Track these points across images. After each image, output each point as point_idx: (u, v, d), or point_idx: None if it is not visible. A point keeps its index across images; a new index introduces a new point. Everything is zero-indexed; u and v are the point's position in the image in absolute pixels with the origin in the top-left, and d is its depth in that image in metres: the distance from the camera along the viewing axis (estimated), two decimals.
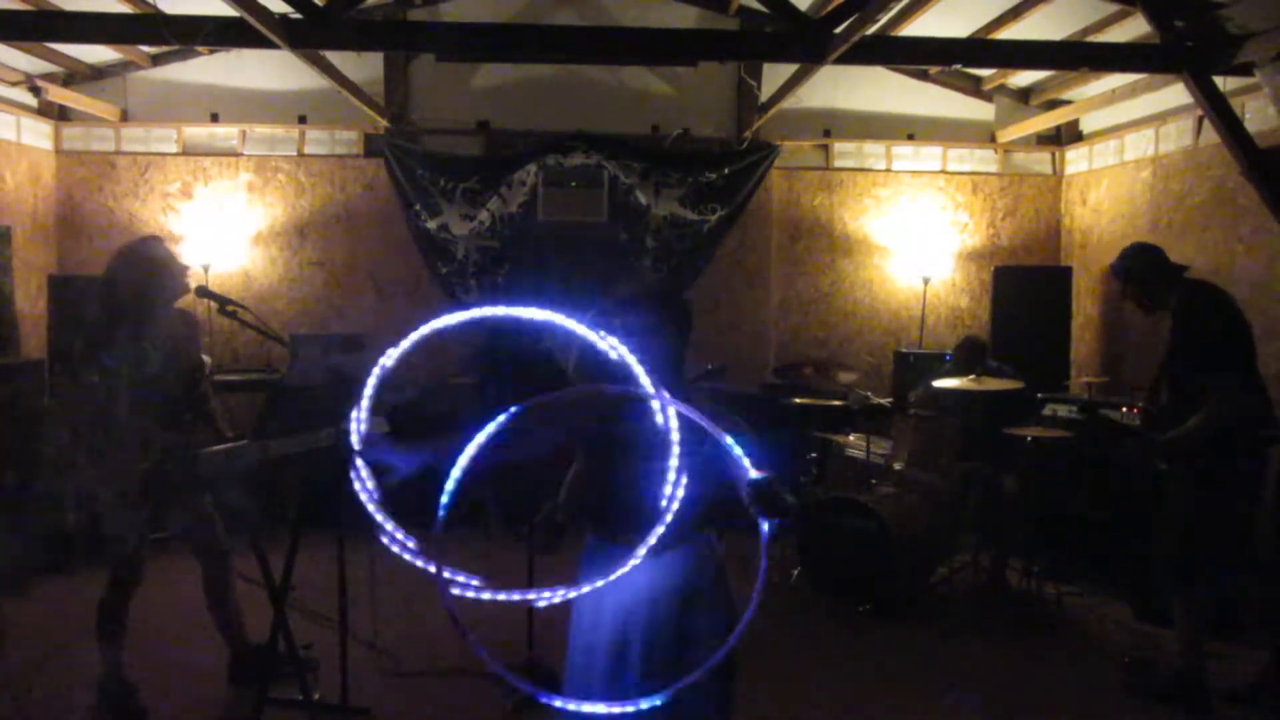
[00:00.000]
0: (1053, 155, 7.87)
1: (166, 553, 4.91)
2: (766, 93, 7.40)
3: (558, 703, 2.22)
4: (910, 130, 7.77)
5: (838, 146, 7.77)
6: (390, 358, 2.42)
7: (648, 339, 2.37)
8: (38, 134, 7.19)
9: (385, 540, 2.33)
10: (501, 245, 7.41)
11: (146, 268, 3.71)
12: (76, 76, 7.24)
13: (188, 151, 7.47)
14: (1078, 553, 5.60)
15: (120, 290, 3.68)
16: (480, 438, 2.09)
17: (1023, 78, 7.55)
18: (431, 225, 7.35)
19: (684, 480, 2.28)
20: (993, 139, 7.80)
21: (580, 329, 2.25)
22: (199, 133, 7.48)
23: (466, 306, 8.72)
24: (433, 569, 2.13)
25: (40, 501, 5.63)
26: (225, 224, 7.40)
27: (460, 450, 2.07)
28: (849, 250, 7.79)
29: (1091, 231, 7.45)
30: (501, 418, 2.08)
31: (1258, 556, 4.49)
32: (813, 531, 5.37)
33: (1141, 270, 4.01)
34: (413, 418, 3.80)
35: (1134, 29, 5.88)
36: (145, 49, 7.15)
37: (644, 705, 2.14)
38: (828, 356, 7.45)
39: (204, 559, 3.97)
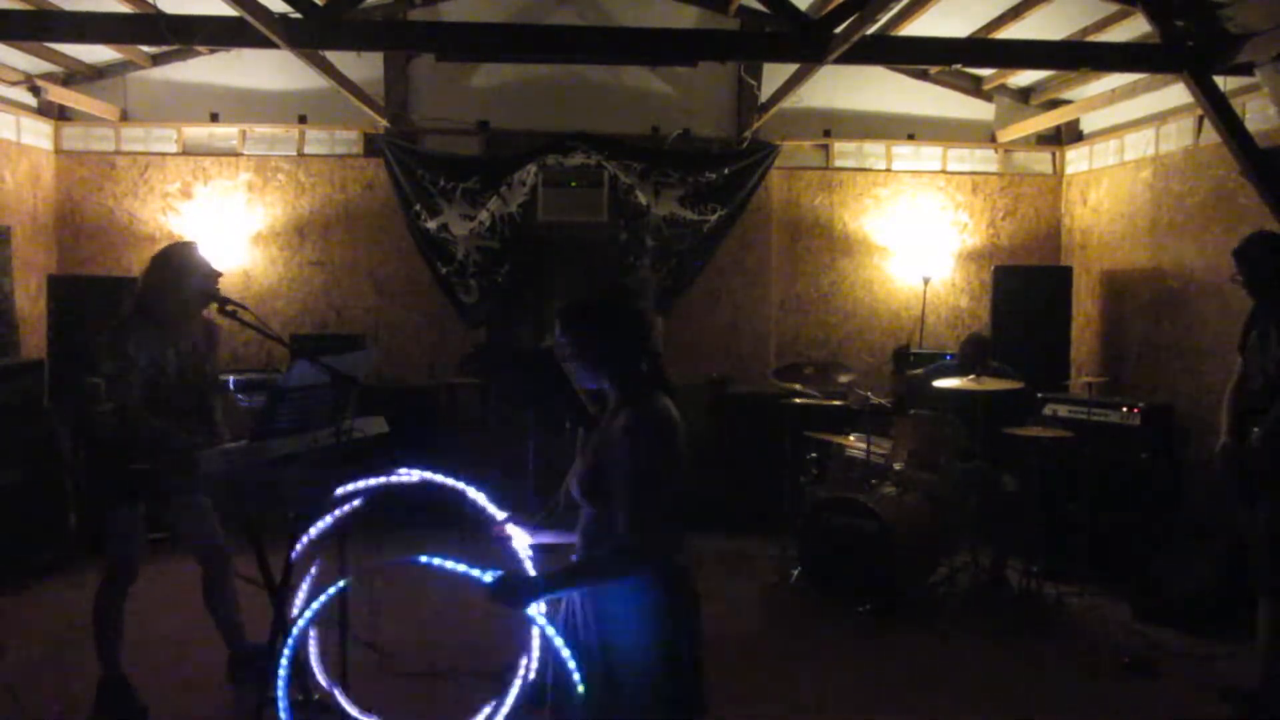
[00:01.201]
0: (1053, 155, 7.87)
1: (167, 552, 4.92)
2: (766, 93, 7.40)
3: None
4: (910, 130, 7.77)
5: (838, 146, 7.77)
6: None
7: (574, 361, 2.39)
8: (38, 134, 7.18)
9: None
10: (501, 245, 7.40)
11: (176, 270, 3.77)
12: (76, 76, 7.23)
13: (188, 151, 7.47)
14: (1078, 553, 5.60)
15: (150, 289, 3.75)
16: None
17: (1023, 78, 7.54)
18: (431, 225, 7.34)
19: None
20: (993, 139, 7.79)
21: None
22: (199, 133, 7.48)
23: (466, 307, 8.67)
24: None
25: (41, 500, 5.64)
26: (225, 224, 7.39)
27: None
28: (849, 250, 7.78)
29: (1091, 231, 7.45)
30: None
31: None
32: (813, 532, 5.37)
33: (1265, 262, 3.98)
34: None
35: (1134, 29, 5.88)
36: (145, 49, 7.15)
37: None
38: (828, 356, 7.45)
39: (203, 559, 3.98)
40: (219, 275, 3.90)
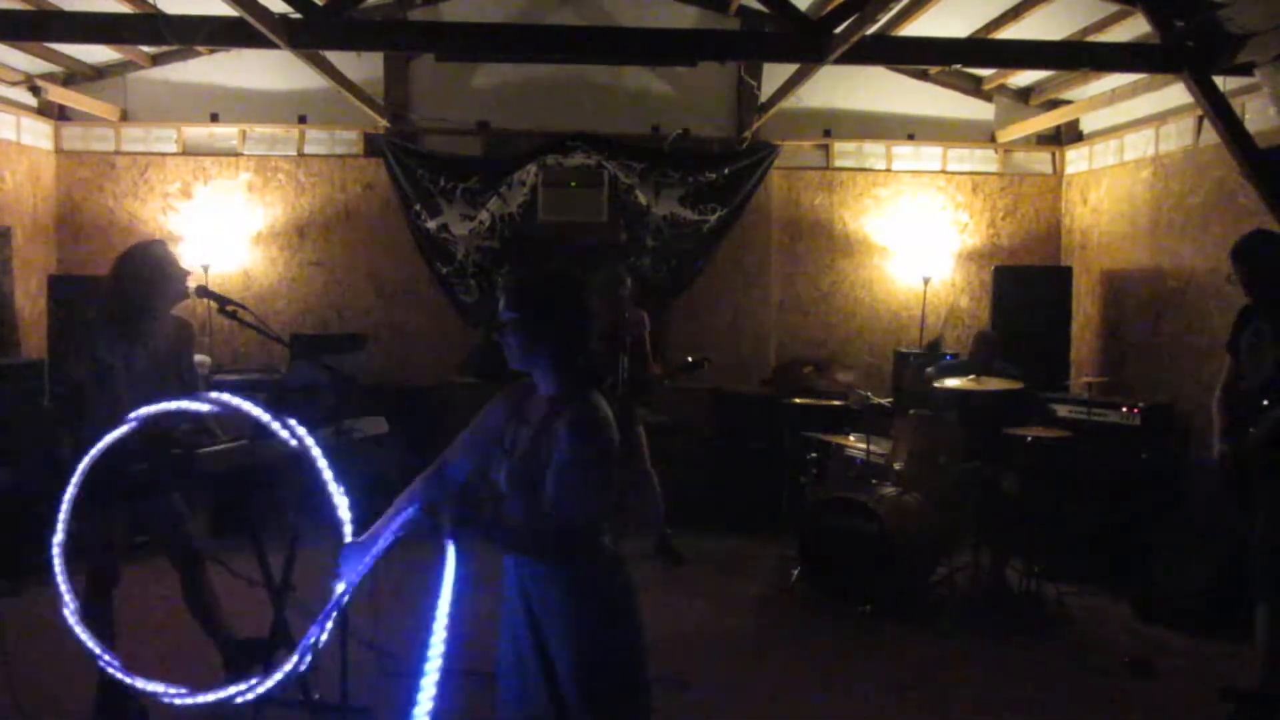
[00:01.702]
0: (1053, 155, 7.87)
1: (160, 554, 4.90)
2: (766, 93, 7.40)
3: None
4: (910, 130, 7.77)
5: (838, 146, 7.77)
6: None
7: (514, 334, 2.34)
8: (38, 134, 7.19)
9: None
10: (501, 245, 7.40)
11: (145, 270, 3.73)
12: (76, 76, 7.24)
13: (188, 151, 7.47)
14: (1078, 553, 5.60)
15: (119, 289, 3.71)
16: None
17: (1023, 78, 7.54)
18: (431, 225, 7.34)
19: None
20: (993, 139, 7.79)
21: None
22: (199, 133, 7.48)
23: (466, 307, 8.65)
24: None
25: (40, 500, 5.64)
26: (225, 224, 7.40)
27: None
28: (849, 250, 7.78)
29: (1091, 231, 7.45)
30: None
31: None
32: (813, 532, 5.36)
33: (1263, 261, 3.97)
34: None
35: (1134, 29, 5.88)
36: (145, 49, 7.15)
37: None
38: (828, 356, 7.45)
39: (179, 563, 3.95)
40: (188, 274, 3.87)
